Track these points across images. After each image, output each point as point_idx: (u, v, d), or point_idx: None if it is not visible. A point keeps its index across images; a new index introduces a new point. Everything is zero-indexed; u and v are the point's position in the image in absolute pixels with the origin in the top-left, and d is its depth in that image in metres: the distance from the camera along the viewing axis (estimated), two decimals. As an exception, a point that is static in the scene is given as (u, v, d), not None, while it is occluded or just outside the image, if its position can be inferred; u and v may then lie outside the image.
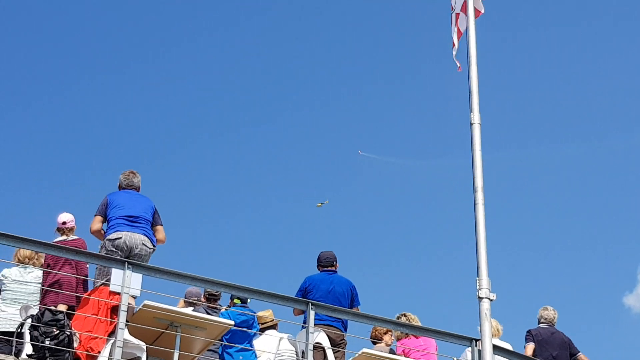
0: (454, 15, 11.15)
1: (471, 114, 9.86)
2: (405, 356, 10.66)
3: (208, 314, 10.03)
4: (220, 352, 10.08)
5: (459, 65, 10.56)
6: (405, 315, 10.99)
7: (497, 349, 9.52)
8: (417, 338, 10.86)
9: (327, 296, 10.35)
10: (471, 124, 9.78)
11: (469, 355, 9.84)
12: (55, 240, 9.87)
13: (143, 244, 9.67)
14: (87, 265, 9.83)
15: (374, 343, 10.93)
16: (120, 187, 10.34)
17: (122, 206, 9.91)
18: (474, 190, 9.00)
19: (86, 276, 9.71)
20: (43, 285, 9.48)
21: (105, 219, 9.92)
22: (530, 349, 10.90)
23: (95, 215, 9.96)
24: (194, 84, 43.55)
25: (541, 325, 11.10)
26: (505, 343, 10.87)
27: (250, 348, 10.28)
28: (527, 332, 10.97)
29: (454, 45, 10.95)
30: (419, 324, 10.96)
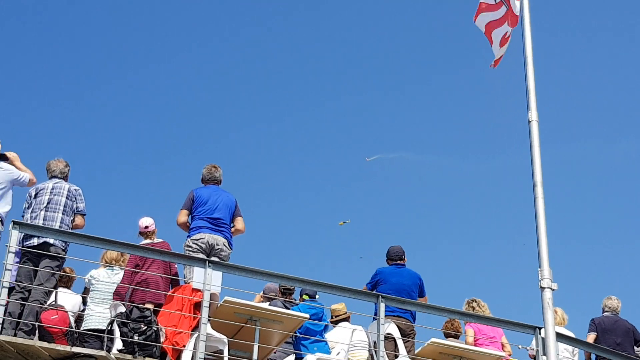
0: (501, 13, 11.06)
1: (529, 112, 10.01)
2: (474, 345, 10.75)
3: (285, 307, 10.29)
4: (295, 344, 10.28)
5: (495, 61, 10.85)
6: (475, 301, 11.16)
7: (560, 337, 9.67)
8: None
9: (396, 288, 10.48)
10: (529, 122, 9.93)
11: (534, 343, 10.00)
12: (142, 243, 10.26)
13: (223, 244, 10.06)
14: (176, 266, 10.21)
15: (447, 335, 11.06)
16: (204, 181, 10.72)
17: (206, 204, 10.28)
18: (534, 185, 9.15)
19: (176, 275, 10.15)
20: (130, 284, 9.81)
21: (191, 213, 10.36)
22: (591, 338, 11.06)
23: (181, 209, 10.40)
24: (238, 79, 43.58)
25: (605, 314, 11.27)
26: (569, 332, 11.00)
27: (324, 339, 10.46)
28: (591, 320, 11.12)
29: (502, 42, 11.02)
30: (488, 309, 11.09)
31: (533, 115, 9.97)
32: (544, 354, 9.32)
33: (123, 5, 42.10)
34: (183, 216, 10.33)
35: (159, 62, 42.33)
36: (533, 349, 10.06)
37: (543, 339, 9.30)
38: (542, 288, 8.68)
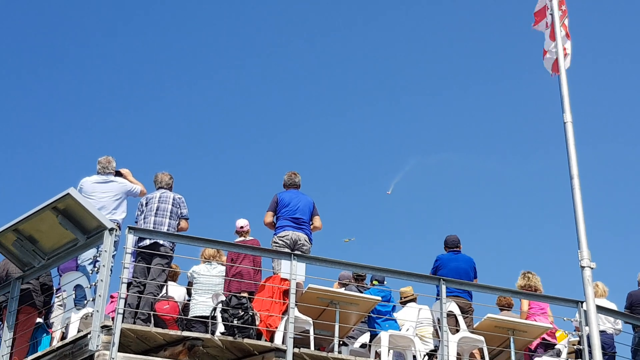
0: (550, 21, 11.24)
1: (564, 114, 10.51)
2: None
3: (359, 291, 10.84)
4: (369, 323, 10.84)
5: (552, 72, 11.01)
6: (529, 272, 11.53)
7: (600, 309, 10.02)
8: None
9: (454, 272, 10.95)
10: (564, 123, 10.44)
11: (577, 315, 10.40)
12: (236, 240, 11.03)
13: (305, 240, 10.80)
14: (261, 259, 10.87)
15: (501, 309, 11.35)
16: (285, 186, 11.47)
17: (289, 206, 11.05)
18: (571, 178, 9.69)
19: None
20: (227, 276, 10.52)
21: (275, 214, 11.10)
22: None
23: (267, 211, 11.18)
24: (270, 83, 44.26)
25: None
26: (611, 303, 11.34)
27: (393, 318, 10.91)
28: (628, 294, 11.50)
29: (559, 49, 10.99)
30: (539, 282, 11.42)
31: (568, 117, 10.43)
32: (587, 324, 9.65)
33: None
34: (269, 217, 11.05)
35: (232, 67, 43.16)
36: (577, 321, 10.41)
37: (585, 311, 9.72)
38: (582, 267, 9.20)
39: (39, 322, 10.39)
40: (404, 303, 11.49)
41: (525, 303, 11.31)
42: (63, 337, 9.68)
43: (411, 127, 42.88)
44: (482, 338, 10.38)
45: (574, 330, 10.85)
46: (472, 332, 10.56)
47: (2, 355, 9.47)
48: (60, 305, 10.23)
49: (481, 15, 44.52)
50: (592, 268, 9.26)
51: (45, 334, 10.43)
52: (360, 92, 43.52)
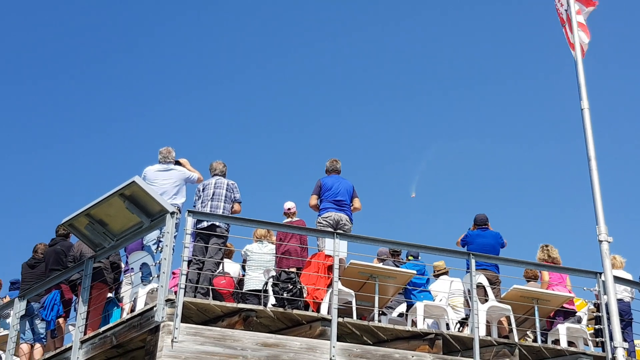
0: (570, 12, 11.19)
1: (581, 101, 10.59)
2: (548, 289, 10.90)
3: (396, 266, 11.00)
4: (406, 294, 10.94)
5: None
6: (548, 246, 11.52)
7: (617, 279, 10.16)
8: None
9: (482, 247, 11.05)
10: (582, 109, 10.53)
11: (596, 286, 10.42)
12: (284, 221, 11.25)
13: (346, 220, 10.99)
14: (307, 238, 11.03)
15: (528, 281, 11.35)
16: (327, 172, 11.62)
17: (331, 190, 11.21)
18: (588, 160, 9.88)
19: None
20: (277, 254, 10.64)
21: (319, 197, 11.27)
22: None
23: (312, 195, 11.37)
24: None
25: None
26: (627, 274, 11.35)
27: (428, 290, 11.09)
28: None
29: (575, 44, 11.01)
30: (557, 253, 11.45)
31: (585, 104, 10.53)
32: (605, 293, 9.85)
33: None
34: (313, 200, 11.24)
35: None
36: (596, 290, 10.39)
37: (603, 282, 9.87)
38: (600, 241, 9.45)
39: (110, 297, 10.49)
40: (437, 276, 11.58)
41: (545, 274, 11.34)
42: (132, 310, 9.80)
43: (434, 116, 42.86)
44: (509, 307, 10.38)
45: (594, 299, 10.83)
46: (499, 302, 10.54)
47: (78, 327, 9.54)
48: (129, 281, 10.31)
49: (502, 3, 44.14)
50: (609, 242, 9.46)
51: (115, 307, 10.52)
52: (388, 84, 43.28)
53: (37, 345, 10.58)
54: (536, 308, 10.41)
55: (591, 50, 11.52)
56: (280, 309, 9.44)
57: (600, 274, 10.11)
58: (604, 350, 10.27)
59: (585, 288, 10.89)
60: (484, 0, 43.26)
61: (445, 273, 11.68)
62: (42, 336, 10.59)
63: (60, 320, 10.64)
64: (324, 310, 9.71)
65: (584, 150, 10.09)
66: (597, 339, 10.67)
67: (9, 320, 11.23)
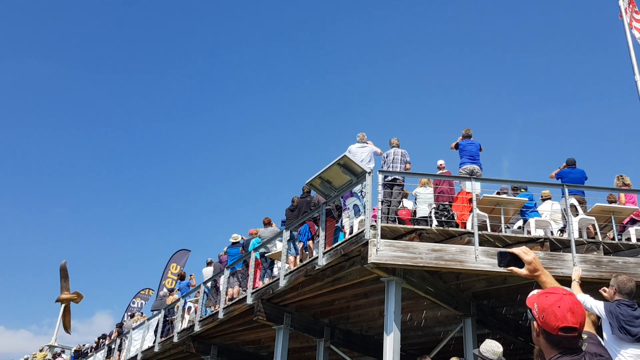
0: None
1: (635, 75, 12.40)
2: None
3: (514, 196, 13.34)
4: (521, 214, 12.69)
5: None
6: (622, 176, 12.89)
7: None
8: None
9: (573, 179, 13.02)
10: (635, 81, 12.39)
11: None
12: (438, 172, 13.94)
13: (477, 169, 13.42)
14: (454, 182, 13.21)
15: (610, 203, 12.88)
16: (463, 137, 13.85)
17: (467, 150, 13.51)
18: None
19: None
20: (435, 193, 13.01)
21: (457, 149, 13.38)
22: None
23: (453, 144, 13.51)
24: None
25: None
26: None
27: (536, 210, 12.92)
28: None
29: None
30: (629, 180, 12.79)
31: (638, 77, 12.44)
32: None
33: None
34: (452, 146, 13.37)
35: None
36: None
37: None
38: None
39: (337, 226, 13.19)
40: (544, 200, 13.62)
41: (622, 196, 13.12)
42: (350, 233, 12.07)
43: (519, 87, 43.52)
44: (593, 218, 12.06)
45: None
46: (586, 215, 12.13)
47: (321, 244, 12.00)
48: (347, 216, 12.75)
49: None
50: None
51: (340, 232, 13.13)
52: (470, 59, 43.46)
53: (298, 256, 13.53)
54: (612, 218, 12.08)
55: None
56: (441, 228, 11.33)
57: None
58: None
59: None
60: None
61: (549, 198, 13.69)
62: (299, 251, 13.46)
63: (310, 242, 13.46)
64: (468, 227, 11.37)
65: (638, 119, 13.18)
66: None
67: (280, 243, 14.10)
